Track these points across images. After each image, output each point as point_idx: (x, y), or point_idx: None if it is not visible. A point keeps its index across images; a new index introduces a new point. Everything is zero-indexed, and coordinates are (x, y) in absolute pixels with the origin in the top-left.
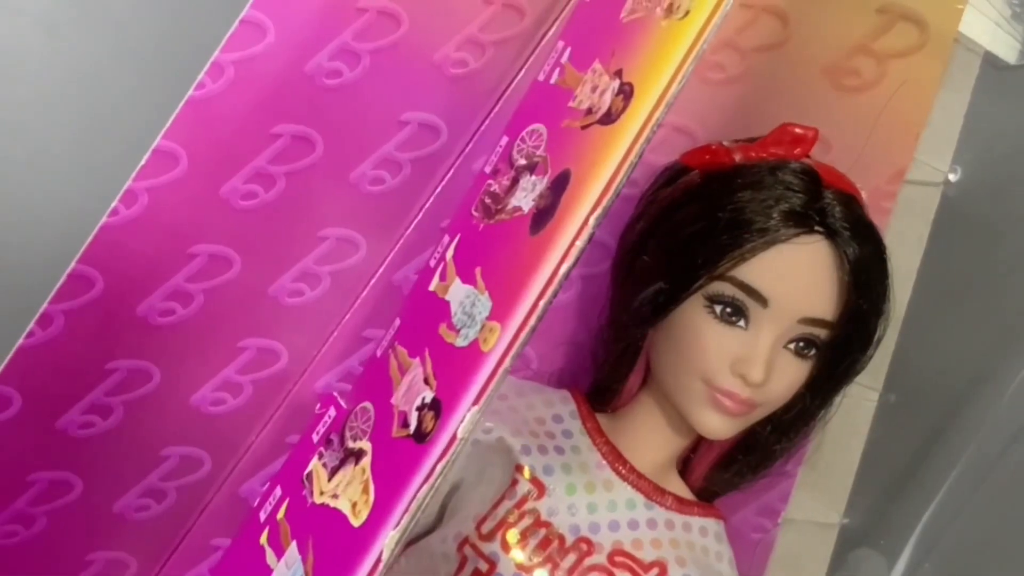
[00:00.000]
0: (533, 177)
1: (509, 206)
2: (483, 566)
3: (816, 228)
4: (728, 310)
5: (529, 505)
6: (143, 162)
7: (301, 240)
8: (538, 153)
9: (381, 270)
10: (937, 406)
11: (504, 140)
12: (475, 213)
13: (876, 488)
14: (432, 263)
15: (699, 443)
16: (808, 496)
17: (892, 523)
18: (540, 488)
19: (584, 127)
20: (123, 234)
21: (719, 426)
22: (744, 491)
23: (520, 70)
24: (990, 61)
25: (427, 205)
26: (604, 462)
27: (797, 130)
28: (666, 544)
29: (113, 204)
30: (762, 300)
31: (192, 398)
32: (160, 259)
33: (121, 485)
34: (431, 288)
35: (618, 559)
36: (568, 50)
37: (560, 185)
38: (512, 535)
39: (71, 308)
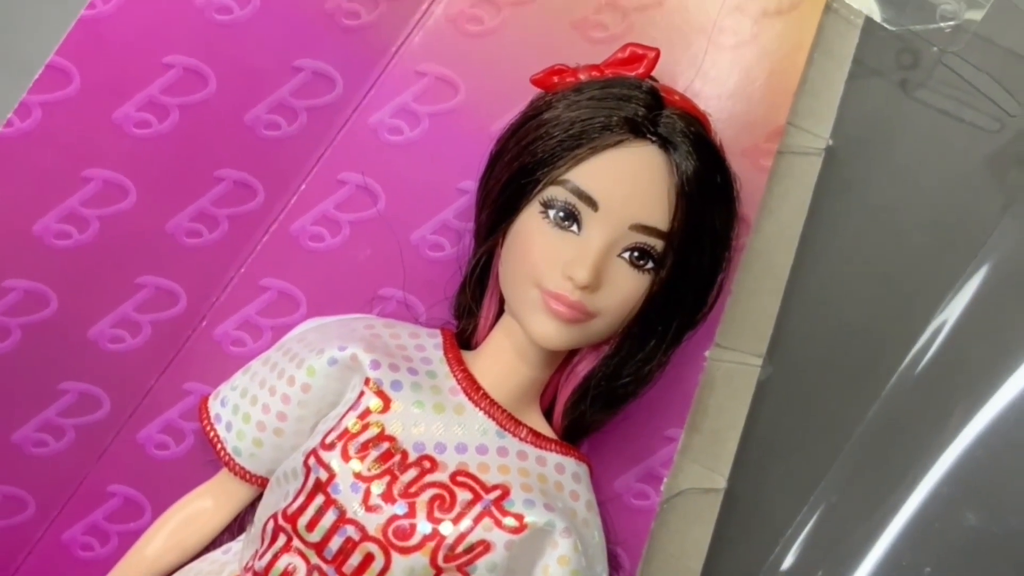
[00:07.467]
0: None
1: None
2: (323, 475)
3: (649, 136)
4: (561, 214)
5: (373, 418)
6: (37, 76)
7: (197, 178)
8: None
9: (281, 217)
10: (820, 374)
11: None
12: None
13: (761, 452)
14: None
15: (559, 382)
16: (691, 460)
17: (778, 487)
18: (386, 402)
19: None
20: (18, 147)
21: (549, 331)
22: (621, 449)
23: (414, 27)
24: (868, 29)
25: (324, 155)
26: (458, 387)
27: (638, 50)
28: (514, 471)
29: (8, 116)
30: (592, 203)
31: (90, 332)
32: (55, 178)
33: (18, 415)
34: None
35: (460, 479)
36: None
37: None
38: (353, 445)
39: None
